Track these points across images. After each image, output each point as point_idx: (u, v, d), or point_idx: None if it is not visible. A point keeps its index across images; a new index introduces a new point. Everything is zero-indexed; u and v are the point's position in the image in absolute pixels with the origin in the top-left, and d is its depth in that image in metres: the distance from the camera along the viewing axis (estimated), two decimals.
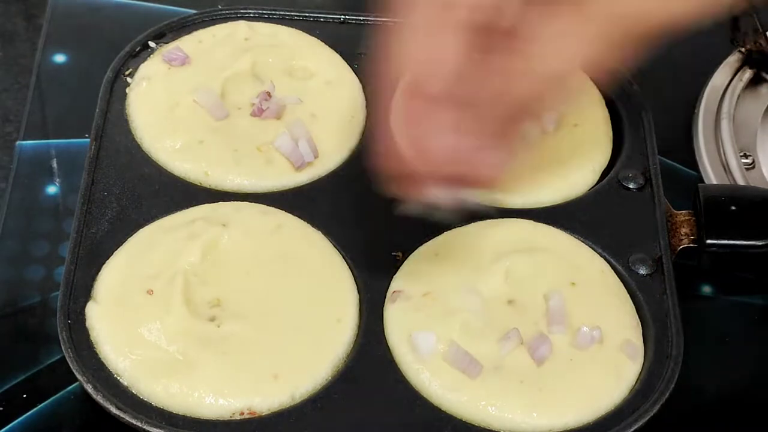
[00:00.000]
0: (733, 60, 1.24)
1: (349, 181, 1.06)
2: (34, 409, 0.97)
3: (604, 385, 0.94)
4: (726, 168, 1.15)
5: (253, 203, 1.03)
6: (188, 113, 1.08)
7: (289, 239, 1.01)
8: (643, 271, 1.01)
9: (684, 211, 1.06)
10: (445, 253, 1.01)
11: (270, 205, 1.03)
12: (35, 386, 0.98)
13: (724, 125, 1.18)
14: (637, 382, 0.95)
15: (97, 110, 1.08)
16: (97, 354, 0.94)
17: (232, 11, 1.16)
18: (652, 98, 1.13)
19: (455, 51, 0.82)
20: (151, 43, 1.13)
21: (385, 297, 0.99)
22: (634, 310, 0.99)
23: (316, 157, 1.06)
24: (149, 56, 1.13)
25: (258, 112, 1.08)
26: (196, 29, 1.15)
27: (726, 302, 1.08)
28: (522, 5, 0.83)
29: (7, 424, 0.96)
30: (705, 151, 1.17)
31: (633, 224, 1.04)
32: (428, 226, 1.03)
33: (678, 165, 1.16)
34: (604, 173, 1.09)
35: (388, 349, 0.96)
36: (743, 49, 1.23)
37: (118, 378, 0.93)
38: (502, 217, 1.04)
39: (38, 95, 1.17)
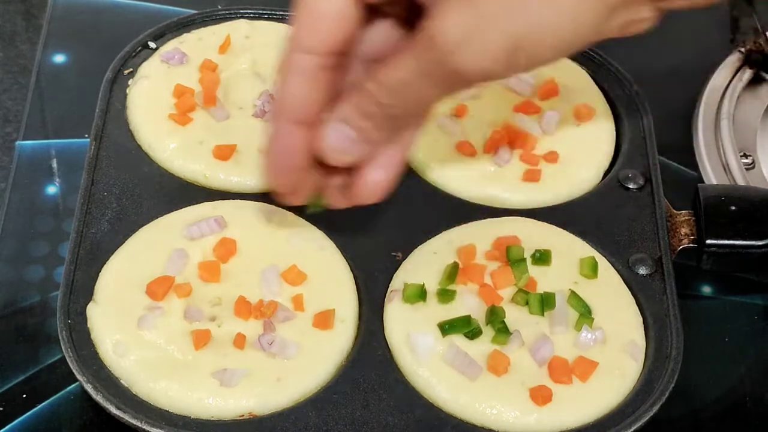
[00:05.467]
0: (733, 60, 1.24)
1: None
2: (34, 409, 0.97)
3: (606, 386, 0.94)
4: (726, 168, 1.15)
5: (253, 202, 1.03)
6: (188, 113, 1.08)
7: (290, 239, 1.00)
8: (643, 271, 1.01)
9: (684, 211, 1.06)
10: (445, 252, 1.01)
11: (270, 204, 1.03)
12: (35, 386, 0.98)
13: (724, 125, 1.18)
14: (637, 382, 0.95)
15: (97, 110, 1.08)
16: (97, 354, 0.94)
17: (232, 11, 1.16)
18: (652, 98, 1.13)
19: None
20: (151, 43, 1.13)
21: (384, 297, 0.99)
22: (638, 310, 0.99)
23: None
24: (149, 56, 1.13)
25: (261, 114, 1.08)
26: (196, 29, 1.15)
27: (726, 302, 1.08)
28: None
29: (7, 424, 0.96)
30: (705, 151, 1.17)
31: (633, 224, 1.04)
32: (428, 226, 1.03)
33: (678, 165, 1.16)
34: (605, 173, 1.09)
35: (388, 349, 0.96)
36: (743, 49, 1.23)
37: (118, 378, 0.93)
38: (503, 216, 1.04)
39: (38, 95, 1.17)
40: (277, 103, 0.84)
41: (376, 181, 0.85)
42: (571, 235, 1.03)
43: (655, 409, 0.93)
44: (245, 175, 1.05)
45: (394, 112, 0.80)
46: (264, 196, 1.04)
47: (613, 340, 0.96)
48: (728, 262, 1.04)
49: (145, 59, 1.12)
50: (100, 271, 0.98)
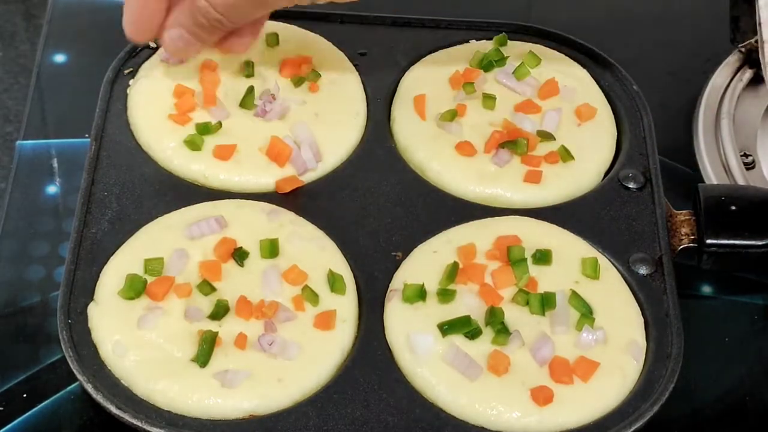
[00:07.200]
0: (733, 60, 1.24)
1: (350, 181, 1.06)
2: (34, 409, 0.97)
3: (607, 386, 0.94)
4: (726, 168, 1.15)
5: (253, 202, 1.03)
6: (188, 113, 1.08)
7: (290, 238, 1.00)
8: (643, 271, 1.01)
9: (684, 211, 1.06)
10: (445, 251, 1.01)
11: (271, 204, 1.03)
12: (35, 386, 0.98)
13: (724, 125, 1.18)
14: (637, 381, 0.95)
15: (97, 110, 1.08)
16: (97, 354, 0.94)
17: None
18: (652, 98, 1.13)
19: None
20: (151, 43, 1.13)
21: (385, 297, 0.99)
22: (638, 310, 0.99)
23: (319, 161, 1.06)
24: (149, 56, 1.12)
25: (261, 113, 1.08)
26: None
27: (726, 302, 1.08)
28: None
29: (7, 424, 0.96)
30: (705, 151, 1.17)
31: (633, 224, 1.04)
32: (428, 226, 1.03)
33: (678, 165, 1.16)
34: (606, 173, 1.09)
35: (388, 349, 0.96)
36: (743, 49, 1.23)
37: (118, 378, 0.93)
38: (503, 216, 1.04)
39: (38, 95, 1.17)
40: None
41: (238, 44, 1.02)
42: (572, 234, 1.03)
43: (655, 409, 0.93)
44: (245, 175, 1.05)
45: (222, 25, 0.98)
46: (264, 196, 1.04)
47: (614, 340, 0.96)
48: (728, 262, 1.04)
49: (145, 59, 1.12)
50: (100, 271, 0.98)
